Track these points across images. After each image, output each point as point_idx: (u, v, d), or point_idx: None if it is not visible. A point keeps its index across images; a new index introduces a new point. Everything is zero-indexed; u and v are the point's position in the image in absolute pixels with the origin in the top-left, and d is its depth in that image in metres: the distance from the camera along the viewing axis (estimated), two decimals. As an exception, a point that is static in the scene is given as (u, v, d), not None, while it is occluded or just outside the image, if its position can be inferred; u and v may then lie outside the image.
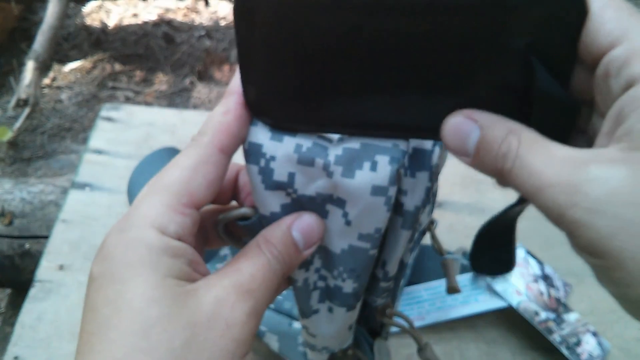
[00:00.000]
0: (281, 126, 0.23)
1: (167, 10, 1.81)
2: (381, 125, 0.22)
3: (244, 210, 0.26)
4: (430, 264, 0.52)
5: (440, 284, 0.51)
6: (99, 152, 0.66)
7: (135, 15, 1.80)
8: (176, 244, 0.21)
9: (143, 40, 1.71)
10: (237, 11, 0.21)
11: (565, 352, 0.46)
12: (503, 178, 0.19)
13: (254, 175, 0.24)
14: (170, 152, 0.54)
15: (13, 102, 1.46)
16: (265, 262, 0.23)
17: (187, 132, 0.68)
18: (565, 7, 0.19)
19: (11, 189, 0.84)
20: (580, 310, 0.51)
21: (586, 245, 0.17)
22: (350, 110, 0.22)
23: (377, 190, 0.23)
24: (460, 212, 0.60)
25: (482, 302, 0.49)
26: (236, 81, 0.23)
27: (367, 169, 0.22)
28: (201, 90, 1.58)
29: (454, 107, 0.21)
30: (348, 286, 0.27)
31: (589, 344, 0.48)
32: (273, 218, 0.25)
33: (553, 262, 0.54)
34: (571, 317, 0.50)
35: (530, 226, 0.57)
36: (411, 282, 0.51)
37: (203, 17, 1.78)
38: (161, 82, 1.61)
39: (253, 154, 0.23)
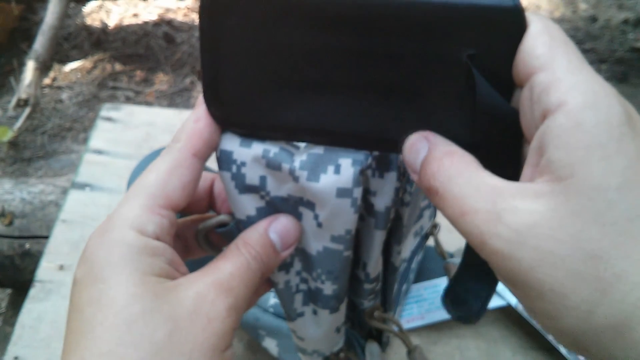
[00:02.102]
0: (248, 133, 0.24)
1: (168, 10, 1.81)
2: (345, 135, 0.23)
3: (222, 218, 0.27)
4: (432, 264, 0.52)
5: (441, 282, 0.51)
6: (99, 152, 0.66)
7: (135, 15, 1.80)
8: (155, 243, 0.22)
9: (143, 40, 1.71)
10: (203, 17, 0.22)
11: (563, 351, 0.46)
12: (432, 198, 0.20)
13: (228, 181, 0.24)
14: None
15: (13, 102, 1.46)
16: (244, 261, 0.24)
17: (187, 132, 0.68)
18: (505, 21, 0.19)
19: (11, 189, 0.84)
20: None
21: (507, 276, 0.17)
22: (315, 118, 0.23)
23: (342, 192, 0.23)
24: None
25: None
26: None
27: (331, 173, 0.23)
28: (201, 90, 1.58)
29: (413, 119, 0.22)
30: (328, 288, 0.27)
31: None
32: (249, 221, 0.25)
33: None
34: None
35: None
36: (413, 282, 0.51)
37: (203, 17, 1.78)
38: (161, 82, 1.61)
39: (225, 160, 0.24)
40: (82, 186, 0.62)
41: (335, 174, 0.23)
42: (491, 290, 0.26)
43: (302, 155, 0.24)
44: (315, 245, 0.26)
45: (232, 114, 0.24)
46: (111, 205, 0.61)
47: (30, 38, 1.62)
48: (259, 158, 0.24)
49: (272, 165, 0.24)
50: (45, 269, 0.55)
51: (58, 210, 0.71)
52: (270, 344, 0.43)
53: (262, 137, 0.24)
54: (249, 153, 0.24)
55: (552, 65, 0.18)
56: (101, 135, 0.68)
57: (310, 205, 0.24)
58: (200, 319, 0.21)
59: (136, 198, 0.23)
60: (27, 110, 1.47)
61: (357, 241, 0.27)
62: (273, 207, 0.25)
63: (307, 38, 0.21)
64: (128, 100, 1.56)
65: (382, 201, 0.25)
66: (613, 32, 1.71)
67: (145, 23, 1.76)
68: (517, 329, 0.50)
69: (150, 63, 1.66)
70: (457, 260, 0.52)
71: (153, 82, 1.62)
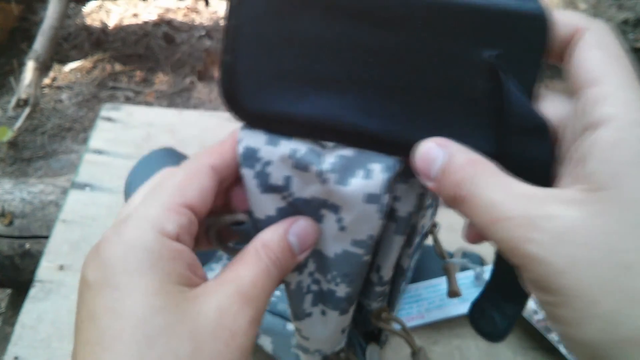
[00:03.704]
0: (274, 129, 0.23)
1: (167, 10, 1.81)
2: (360, 134, 0.23)
3: (240, 217, 0.26)
4: (431, 264, 0.52)
5: (440, 282, 0.51)
6: (99, 152, 0.66)
7: (135, 15, 1.80)
8: (175, 245, 0.21)
9: (143, 40, 1.71)
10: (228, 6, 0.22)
11: (563, 350, 0.46)
12: (457, 206, 0.20)
13: (249, 179, 0.24)
14: (167, 153, 0.54)
15: (13, 102, 1.46)
16: (264, 267, 0.23)
17: (187, 132, 0.68)
18: (531, 27, 0.19)
19: (11, 189, 0.84)
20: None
21: (537, 280, 0.17)
22: (332, 112, 0.23)
23: (370, 198, 0.23)
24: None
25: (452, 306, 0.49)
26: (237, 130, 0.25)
27: (360, 177, 0.22)
28: (201, 90, 1.58)
29: (429, 121, 0.22)
30: (341, 290, 0.27)
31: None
32: (268, 222, 0.25)
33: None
34: None
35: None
36: (411, 281, 0.51)
37: (203, 17, 1.79)
38: (161, 82, 1.61)
39: (248, 157, 0.23)
40: (82, 186, 0.62)
41: (365, 178, 0.22)
42: (519, 310, 0.25)
43: (331, 156, 0.23)
44: (334, 247, 0.25)
45: (251, 106, 0.23)
46: (111, 205, 0.61)
47: (30, 38, 1.62)
48: (286, 158, 0.23)
49: (300, 166, 0.23)
50: (45, 269, 0.55)
51: (58, 210, 0.71)
52: (265, 341, 0.44)
53: (281, 131, 0.23)
54: (276, 152, 0.23)
55: (603, 80, 0.18)
56: (101, 135, 0.68)
57: (335, 208, 0.24)
58: (223, 334, 0.20)
59: (155, 197, 0.22)
60: (27, 110, 1.47)
61: (374, 244, 0.27)
62: (294, 208, 0.25)
63: (328, 30, 0.21)
64: (128, 100, 1.56)
65: (405, 207, 0.25)
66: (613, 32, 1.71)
67: (145, 23, 1.76)
68: (518, 328, 0.50)
69: (150, 63, 1.66)
70: (456, 260, 0.52)
71: (153, 82, 1.62)
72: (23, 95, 1.46)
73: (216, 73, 1.61)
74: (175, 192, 0.22)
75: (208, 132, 0.67)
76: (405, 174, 0.24)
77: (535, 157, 0.20)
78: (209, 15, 1.79)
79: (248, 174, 0.24)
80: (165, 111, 0.72)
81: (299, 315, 0.30)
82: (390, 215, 0.25)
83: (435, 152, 0.21)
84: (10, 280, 0.84)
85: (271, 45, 0.22)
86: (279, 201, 0.24)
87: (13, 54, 1.65)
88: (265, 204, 0.24)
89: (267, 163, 0.23)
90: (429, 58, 0.21)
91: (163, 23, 1.76)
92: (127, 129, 0.68)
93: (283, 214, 0.25)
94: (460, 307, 0.50)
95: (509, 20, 0.20)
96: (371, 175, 0.22)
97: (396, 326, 0.35)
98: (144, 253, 0.20)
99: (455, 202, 0.20)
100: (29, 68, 1.49)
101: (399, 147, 0.22)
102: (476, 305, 0.26)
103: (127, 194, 0.53)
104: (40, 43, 1.54)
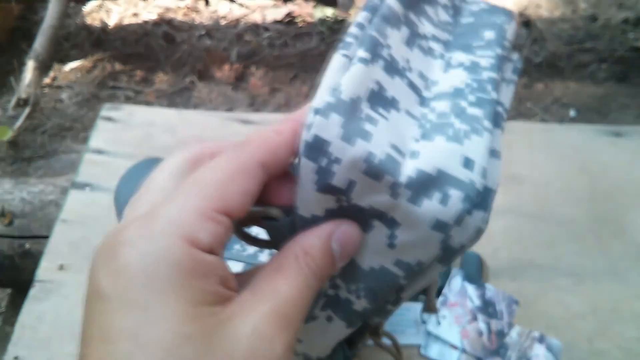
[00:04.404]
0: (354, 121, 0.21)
1: (168, 9, 1.81)
2: None
3: (273, 212, 0.23)
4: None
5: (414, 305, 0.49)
6: (99, 152, 0.66)
7: (135, 14, 1.80)
8: (208, 259, 0.18)
9: (143, 40, 1.71)
10: None
11: None
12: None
13: (307, 173, 0.21)
14: (157, 163, 0.54)
15: (13, 101, 1.46)
16: (303, 279, 0.21)
17: (187, 132, 0.68)
18: None
19: (11, 189, 0.84)
20: (580, 310, 0.51)
21: None
22: None
23: (439, 226, 0.21)
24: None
25: (409, 335, 0.48)
26: (302, 112, 0.22)
27: (436, 201, 0.20)
28: (202, 90, 1.58)
29: None
30: (360, 304, 0.25)
31: (538, 357, 0.47)
32: (313, 221, 0.22)
33: (553, 262, 0.54)
34: (513, 335, 0.48)
35: (531, 226, 0.57)
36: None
37: (203, 17, 1.78)
38: (161, 81, 1.61)
39: (315, 149, 0.20)
40: (82, 186, 0.62)
41: (440, 203, 0.20)
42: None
43: (411, 169, 0.21)
44: (372, 261, 0.23)
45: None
46: (111, 205, 0.61)
47: (30, 38, 1.62)
48: (359, 161, 0.20)
49: (371, 174, 0.20)
50: (45, 269, 0.55)
51: (58, 210, 0.71)
52: None
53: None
54: (350, 151, 0.20)
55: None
56: (101, 135, 0.68)
57: (391, 223, 0.22)
58: None
59: (189, 197, 0.19)
60: (27, 110, 1.47)
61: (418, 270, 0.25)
62: (343, 211, 0.22)
63: None
64: (128, 100, 1.55)
65: (460, 238, 0.22)
66: (613, 32, 1.71)
67: (145, 23, 1.76)
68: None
69: (150, 63, 1.66)
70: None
71: (153, 81, 1.61)
72: (23, 95, 1.46)
73: (217, 72, 1.61)
74: (214, 194, 0.19)
75: (208, 132, 0.67)
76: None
77: None
78: (209, 15, 1.79)
79: (307, 167, 0.21)
80: (165, 111, 0.72)
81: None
82: None
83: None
84: (10, 280, 0.84)
85: None
86: (332, 202, 0.22)
87: (13, 54, 1.65)
88: (316, 203, 0.22)
89: (335, 161, 0.20)
90: None
91: (163, 22, 1.76)
92: (127, 129, 0.68)
93: (331, 215, 0.22)
94: (417, 337, 0.48)
95: None
96: (448, 201, 0.20)
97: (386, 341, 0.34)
98: (173, 268, 0.18)
99: None
100: (29, 68, 1.49)
101: None
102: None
103: (117, 203, 0.52)
104: (40, 43, 1.54)
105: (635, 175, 0.61)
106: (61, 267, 0.55)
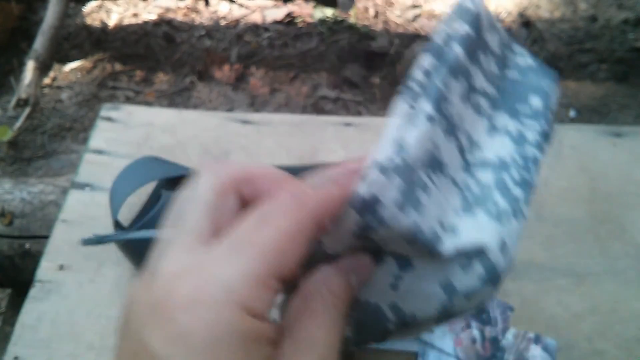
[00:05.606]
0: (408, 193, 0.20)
1: (168, 10, 1.81)
2: None
3: None
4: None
5: None
6: (99, 152, 0.66)
7: (135, 15, 1.80)
8: (262, 327, 0.18)
9: (143, 40, 1.71)
10: None
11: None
12: None
13: (349, 222, 0.20)
14: (151, 161, 0.54)
15: (13, 101, 1.46)
16: (334, 322, 0.21)
17: (187, 132, 0.68)
18: None
19: (11, 189, 0.84)
20: (580, 310, 0.51)
21: None
22: None
23: (448, 289, 0.21)
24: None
25: (406, 342, 0.47)
26: (361, 160, 0.21)
27: (458, 265, 0.21)
28: (202, 90, 1.58)
29: None
30: (344, 331, 0.25)
31: (535, 358, 0.47)
32: (333, 250, 0.22)
33: (553, 262, 0.54)
34: (509, 338, 0.48)
35: (531, 226, 0.57)
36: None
37: (203, 17, 1.78)
38: (161, 81, 1.61)
39: (367, 206, 0.19)
40: (82, 186, 0.62)
41: (462, 269, 0.21)
42: None
43: (449, 247, 0.21)
44: (370, 295, 0.23)
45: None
46: (111, 205, 0.61)
47: (30, 38, 1.62)
48: (407, 233, 0.20)
49: (412, 242, 0.20)
50: (45, 269, 0.55)
51: (58, 210, 0.71)
52: None
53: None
54: (400, 220, 0.20)
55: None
56: (101, 135, 0.68)
57: (405, 265, 0.22)
58: None
59: (246, 261, 0.18)
60: (27, 110, 1.47)
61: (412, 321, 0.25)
62: (364, 247, 0.22)
63: None
64: (128, 100, 1.56)
65: (461, 308, 0.22)
66: (613, 32, 1.71)
67: (145, 23, 1.76)
68: None
69: (150, 63, 1.66)
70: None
71: (153, 82, 1.62)
72: (23, 95, 1.46)
73: (216, 73, 1.62)
74: (272, 261, 0.18)
75: (208, 132, 0.67)
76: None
77: None
78: (209, 15, 1.79)
79: (352, 217, 0.20)
80: (165, 111, 0.72)
81: None
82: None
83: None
84: (10, 280, 0.84)
85: None
86: (358, 242, 0.22)
87: (13, 54, 1.65)
88: (345, 243, 0.22)
89: (383, 223, 0.20)
90: None
91: (163, 23, 1.76)
92: (127, 129, 0.68)
93: (351, 249, 0.22)
94: (413, 344, 0.48)
95: None
96: (469, 272, 0.21)
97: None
98: (232, 337, 0.17)
99: None
100: (29, 68, 1.49)
101: None
102: None
103: (112, 201, 0.52)
104: (40, 43, 1.54)
105: (635, 175, 0.61)
106: (61, 267, 0.55)
